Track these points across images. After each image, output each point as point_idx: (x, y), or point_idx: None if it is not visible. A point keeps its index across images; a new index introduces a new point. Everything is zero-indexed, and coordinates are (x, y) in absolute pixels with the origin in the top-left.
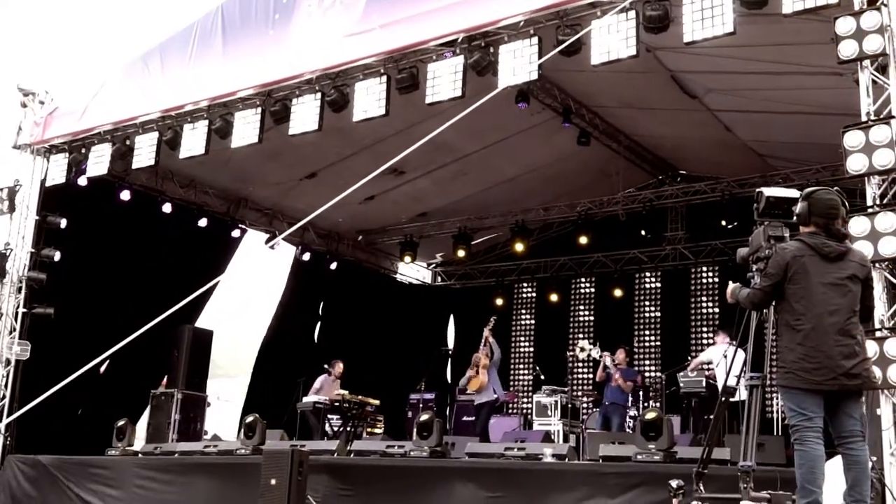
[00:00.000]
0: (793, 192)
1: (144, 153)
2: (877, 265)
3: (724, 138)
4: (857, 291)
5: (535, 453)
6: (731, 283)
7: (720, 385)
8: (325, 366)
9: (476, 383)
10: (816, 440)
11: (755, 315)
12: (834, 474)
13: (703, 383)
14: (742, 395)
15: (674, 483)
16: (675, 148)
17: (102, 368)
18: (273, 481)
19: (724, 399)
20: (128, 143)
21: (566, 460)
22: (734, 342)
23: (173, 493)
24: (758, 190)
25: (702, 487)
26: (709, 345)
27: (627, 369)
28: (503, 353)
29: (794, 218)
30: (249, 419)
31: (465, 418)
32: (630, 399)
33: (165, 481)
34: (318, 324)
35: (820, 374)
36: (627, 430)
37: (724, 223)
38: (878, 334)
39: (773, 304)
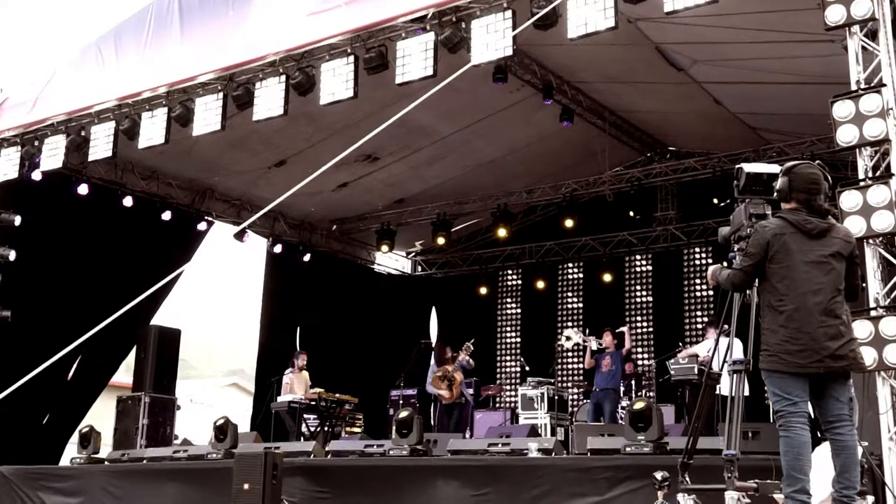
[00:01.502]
0: (773, 168)
1: (101, 144)
2: (870, 241)
3: (714, 111)
4: (842, 269)
5: (520, 448)
6: (711, 266)
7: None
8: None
9: (449, 399)
10: (802, 426)
11: (738, 297)
12: (821, 461)
13: (695, 370)
14: (725, 383)
15: (658, 475)
16: (662, 123)
17: (70, 375)
18: (246, 486)
19: (706, 386)
20: (83, 133)
21: (553, 455)
22: (720, 329)
23: (142, 502)
24: (737, 166)
25: (687, 479)
26: (703, 329)
27: (615, 352)
28: (488, 343)
29: (775, 194)
30: (220, 421)
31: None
32: (623, 387)
33: (134, 489)
34: (298, 329)
35: (804, 356)
36: (620, 419)
37: (716, 201)
38: (873, 314)
39: (756, 284)
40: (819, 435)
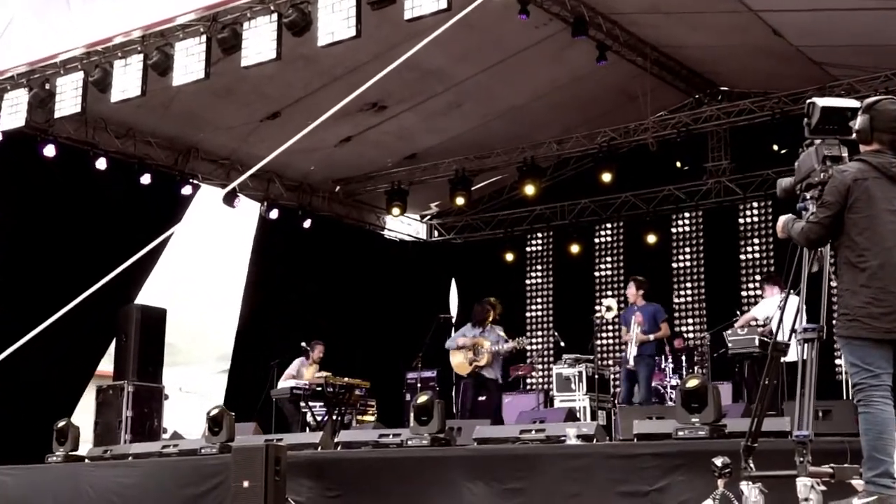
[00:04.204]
0: (852, 102)
1: (69, 98)
2: None
3: (772, 44)
4: None
5: (556, 435)
6: (781, 216)
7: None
8: (303, 344)
9: (460, 369)
10: (885, 400)
11: (809, 254)
12: None
13: (756, 342)
14: (795, 352)
15: (718, 461)
16: (712, 60)
17: None
18: (246, 483)
19: (773, 358)
20: (48, 86)
21: (594, 441)
22: (788, 290)
23: (128, 503)
24: (809, 101)
25: (751, 465)
26: (760, 286)
27: (645, 307)
28: (515, 316)
29: (854, 135)
30: (214, 411)
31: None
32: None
33: (118, 489)
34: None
35: (889, 320)
36: (660, 387)
37: (776, 148)
38: None
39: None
40: None
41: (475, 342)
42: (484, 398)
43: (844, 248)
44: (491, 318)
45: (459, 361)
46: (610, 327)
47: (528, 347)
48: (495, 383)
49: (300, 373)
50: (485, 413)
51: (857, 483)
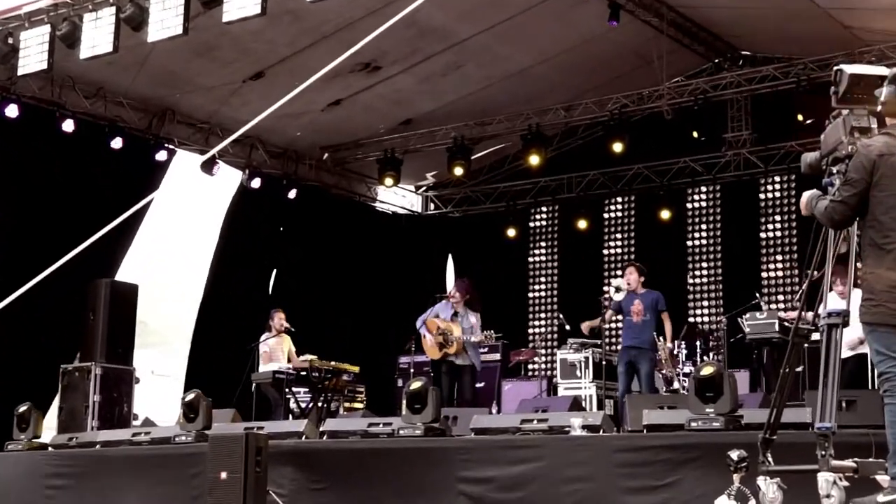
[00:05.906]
0: (882, 70)
1: (34, 54)
2: None
3: (798, 6)
4: None
5: (560, 425)
6: (805, 191)
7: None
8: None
9: (432, 355)
10: None
11: (833, 234)
12: None
13: (776, 327)
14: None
15: (734, 455)
16: (734, 22)
17: None
18: (224, 475)
19: (794, 344)
20: (10, 41)
21: (601, 432)
22: (811, 272)
23: (95, 496)
24: (837, 67)
25: (769, 458)
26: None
27: (647, 294)
28: (517, 297)
29: (879, 107)
30: (190, 397)
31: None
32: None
33: (84, 481)
34: (274, 272)
35: None
36: (672, 374)
37: (801, 118)
38: None
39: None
40: None
41: (446, 327)
42: (457, 385)
43: (869, 228)
44: (465, 301)
45: (429, 345)
46: None
47: (530, 330)
48: (470, 368)
49: (273, 350)
50: (459, 401)
51: (882, 479)
